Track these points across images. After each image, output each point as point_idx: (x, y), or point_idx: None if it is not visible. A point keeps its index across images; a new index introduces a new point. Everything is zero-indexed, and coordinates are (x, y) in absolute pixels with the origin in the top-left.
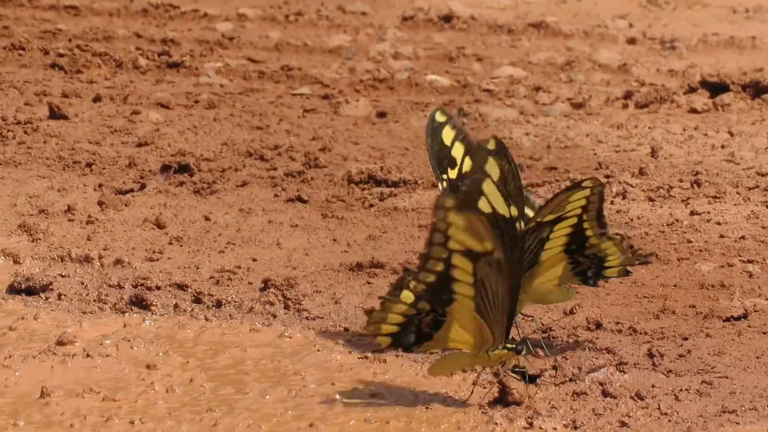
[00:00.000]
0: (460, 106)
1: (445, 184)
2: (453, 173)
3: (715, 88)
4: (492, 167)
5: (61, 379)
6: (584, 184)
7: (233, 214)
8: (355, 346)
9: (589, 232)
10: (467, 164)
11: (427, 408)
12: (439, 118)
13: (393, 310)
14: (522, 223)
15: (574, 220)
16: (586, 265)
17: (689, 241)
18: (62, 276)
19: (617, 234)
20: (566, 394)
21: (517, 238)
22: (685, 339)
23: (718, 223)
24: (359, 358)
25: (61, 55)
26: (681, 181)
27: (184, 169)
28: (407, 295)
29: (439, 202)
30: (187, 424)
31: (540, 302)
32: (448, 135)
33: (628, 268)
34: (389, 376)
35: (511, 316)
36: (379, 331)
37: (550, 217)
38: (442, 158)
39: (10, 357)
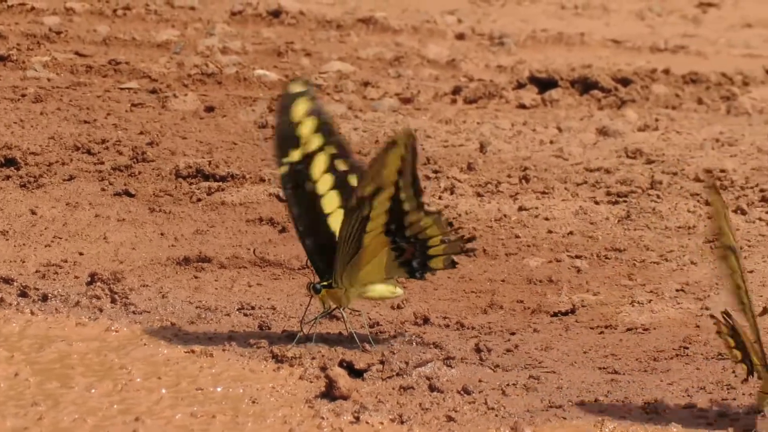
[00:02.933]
0: None
1: (285, 168)
2: (296, 155)
3: (544, 83)
4: None
5: None
6: (398, 139)
7: (60, 208)
8: (182, 340)
9: (406, 205)
10: (315, 142)
11: (253, 402)
12: (296, 88)
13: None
14: None
15: (392, 190)
16: (410, 253)
17: (517, 237)
18: None
19: (435, 211)
20: (393, 389)
21: None
22: (513, 334)
23: (546, 219)
24: (186, 353)
25: None
26: (509, 176)
27: (10, 162)
28: None
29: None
30: (11, 418)
31: (368, 299)
32: (299, 109)
33: (454, 258)
34: (216, 370)
35: None
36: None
37: (370, 188)
38: (284, 138)
39: None
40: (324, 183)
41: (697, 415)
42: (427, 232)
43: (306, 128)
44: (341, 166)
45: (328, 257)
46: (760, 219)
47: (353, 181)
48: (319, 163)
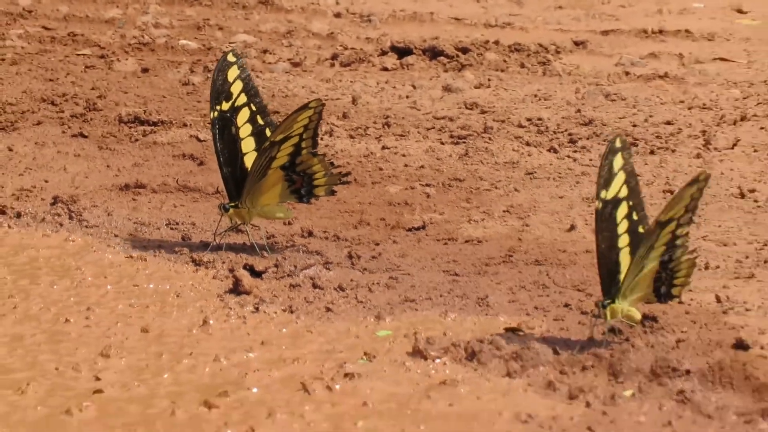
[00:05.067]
0: (205, 65)
1: (216, 114)
2: (226, 105)
3: (402, 51)
4: None
5: None
6: (310, 104)
7: (30, 146)
8: (123, 248)
9: (304, 152)
10: (241, 99)
11: (177, 296)
12: (231, 58)
13: None
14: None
15: (297, 139)
16: (299, 183)
17: (381, 169)
18: None
19: (321, 153)
20: (285, 286)
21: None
22: (377, 244)
23: (403, 155)
24: (126, 258)
25: None
26: (375, 123)
27: None
28: None
29: None
30: None
31: (265, 217)
32: (232, 73)
33: (333, 187)
34: (149, 271)
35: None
36: None
37: (281, 136)
38: (219, 92)
39: None
40: (244, 130)
41: (519, 308)
42: (313, 168)
43: (236, 88)
44: (259, 120)
45: (237, 185)
46: (568, 156)
47: (267, 133)
48: (243, 115)
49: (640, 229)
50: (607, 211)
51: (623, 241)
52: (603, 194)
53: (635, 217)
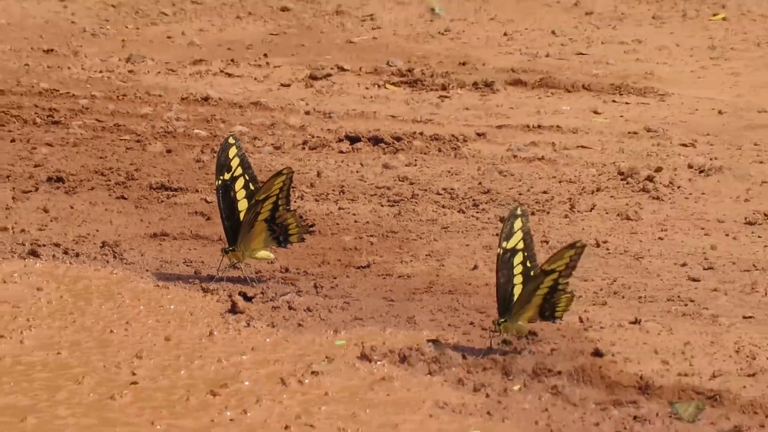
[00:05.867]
0: (212, 148)
1: (219, 182)
2: (227, 176)
3: (353, 139)
4: None
5: None
6: (283, 171)
7: (86, 205)
8: (152, 279)
9: (280, 208)
10: (238, 171)
11: (191, 314)
12: (231, 140)
13: None
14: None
15: (275, 198)
16: (278, 232)
17: (337, 224)
18: None
19: (293, 210)
20: (268, 308)
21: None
22: (335, 278)
23: (354, 214)
24: (154, 286)
25: None
26: (333, 190)
27: (59, 179)
28: None
29: None
30: (58, 320)
31: (254, 258)
32: (232, 152)
33: (303, 236)
34: (170, 296)
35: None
36: None
37: (263, 196)
38: (222, 166)
39: None
40: (240, 194)
41: (437, 325)
42: (288, 221)
43: (234, 163)
44: (251, 187)
45: (234, 234)
46: (472, 216)
47: (257, 195)
48: (239, 183)
49: (531, 273)
50: (507, 256)
51: (517, 279)
52: (504, 244)
53: (528, 264)
